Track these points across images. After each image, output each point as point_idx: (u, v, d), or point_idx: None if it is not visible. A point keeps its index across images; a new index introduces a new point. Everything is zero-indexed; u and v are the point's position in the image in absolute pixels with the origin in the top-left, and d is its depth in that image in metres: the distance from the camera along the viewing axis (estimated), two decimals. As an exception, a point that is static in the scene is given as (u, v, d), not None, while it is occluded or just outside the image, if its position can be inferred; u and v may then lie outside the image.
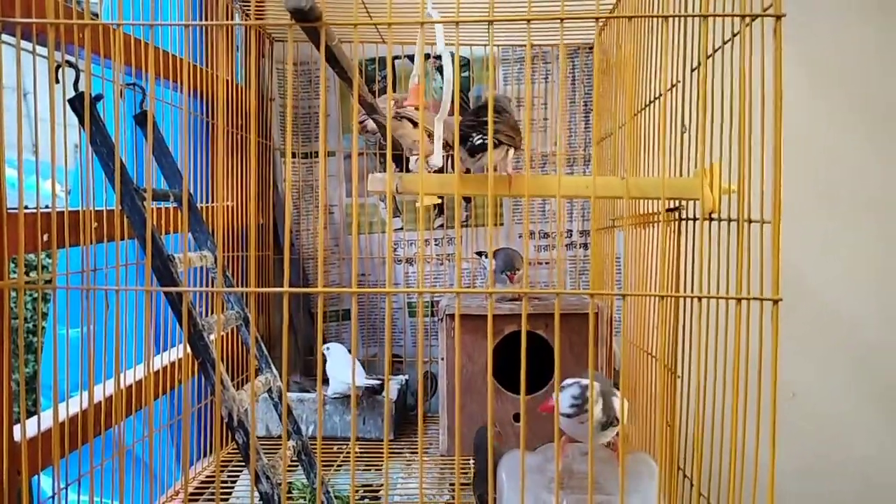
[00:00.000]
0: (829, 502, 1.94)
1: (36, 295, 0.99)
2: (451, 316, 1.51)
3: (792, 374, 1.91)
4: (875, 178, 1.88)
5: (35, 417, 0.98)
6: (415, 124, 1.31)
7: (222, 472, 1.47)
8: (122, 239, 1.00)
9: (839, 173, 1.88)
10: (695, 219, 1.02)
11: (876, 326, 1.91)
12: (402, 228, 1.96)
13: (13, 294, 0.91)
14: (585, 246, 1.93)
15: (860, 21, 1.86)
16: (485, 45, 1.88)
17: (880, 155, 1.89)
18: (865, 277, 1.90)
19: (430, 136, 1.32)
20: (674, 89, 1.08)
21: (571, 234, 1.94)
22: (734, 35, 0.78)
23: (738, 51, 0.78)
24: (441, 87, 1.32)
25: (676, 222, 1.06)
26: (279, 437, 1.64)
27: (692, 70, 1.04)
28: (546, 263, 1.95)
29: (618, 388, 0.92)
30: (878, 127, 1.89)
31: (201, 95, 1.54)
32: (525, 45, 1.88)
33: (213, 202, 1.58)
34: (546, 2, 1.39)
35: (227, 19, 1.57)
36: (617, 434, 0.90)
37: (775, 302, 0.74)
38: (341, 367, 1.65)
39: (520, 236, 1.93)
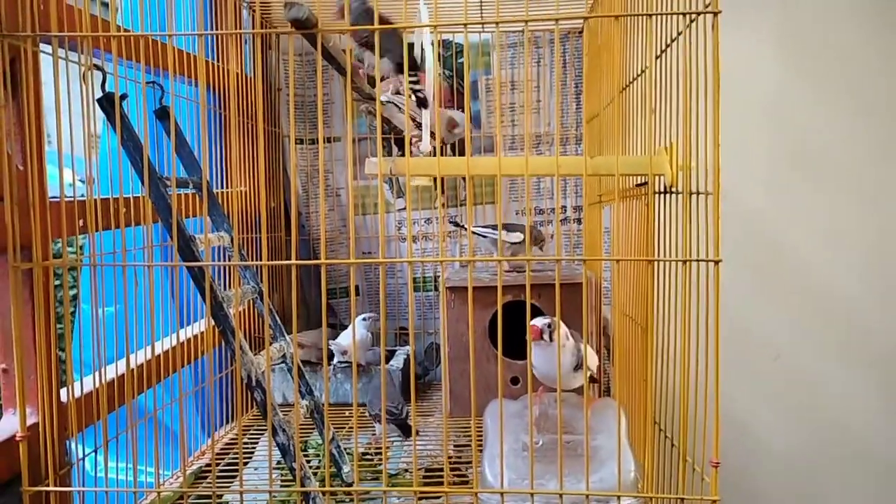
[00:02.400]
0: (813, 456, 2.06)
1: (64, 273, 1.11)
2: (451, 289, 1.64)
3: (775, 337, 2.03)
4: (851, 148, 1.98)
5: (77, 383, 1.11)
6: (401, 110, 1.42)
7: (243, 436, 1.61)
8: (146, 224, 1.12)
9: (817, 144, 1.97)
10: (659, 192, 1.13)
11: (855, 287, 2.01)
12: (404, 208, 2.08)
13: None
14: (579, 221, 2.05)
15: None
16: (479, 33, 1.98)
17: (857, 126, 1.98)
18: (845, 243, 2.00)
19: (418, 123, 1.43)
20: (642, 76, 1.19)
21: (566, 210, 2.05)
22: (679, 34, 0.89)
23: (686, 43, 0.89)
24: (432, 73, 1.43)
25: (644, 196, 1.17)
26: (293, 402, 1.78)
27: (656, 58, 1.15)
28: (541, 241, 2.07)
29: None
30: (858, 99, 1.98)
31: (213, 88, 1.66)
32: (518, 31, 1.98)
33: (227, 188, 1.71)
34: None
35: (236, 14, 1.68)
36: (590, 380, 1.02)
37: (716, 263, 0.85)
38: (345, 336, 1.77)
39: (517, 213, 2.05)
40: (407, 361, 1.90)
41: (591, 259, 1.45)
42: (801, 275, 2.00)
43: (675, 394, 1.04)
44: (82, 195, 1.08)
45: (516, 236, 1.72)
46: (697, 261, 0.86)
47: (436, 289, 2.09)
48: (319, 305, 2.06)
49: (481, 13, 1.58)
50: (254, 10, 1.79)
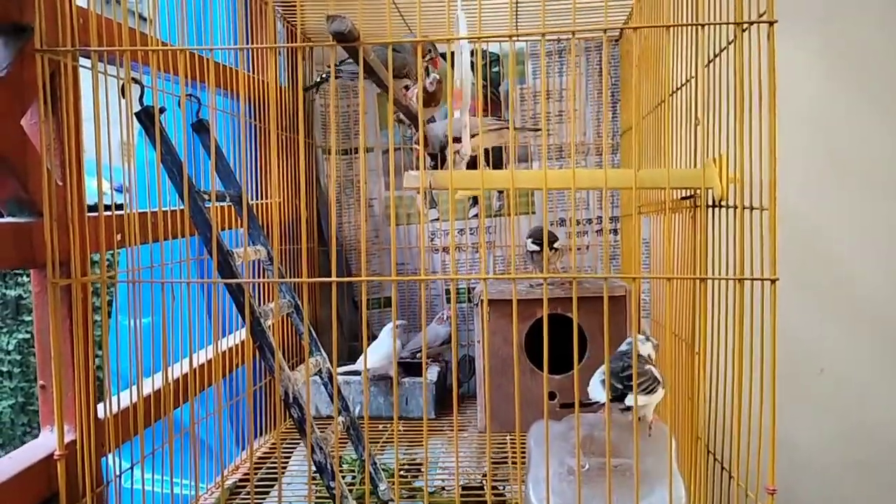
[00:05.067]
0: (858, 472, 1.99)
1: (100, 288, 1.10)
2: (488, 301, 1.61)
3: (820, 350, 1.97)
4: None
5: (115, 398, 1.10)
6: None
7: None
8: (182, 237, 1.11)
9: (859, 156, 1.92)
10: (708, 206, 1.09)
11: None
12: (438, 219, 2.06)
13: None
14: (615, 231, 2.01)
15: (881, 11, 1.90)
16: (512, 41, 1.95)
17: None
18: (887, 254, 1.94)
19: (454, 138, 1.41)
20: (688, 85, 1.15)
21: (601, 220, 2.02)
22: (730, 42, 0.86)
23: (739, 52, 0.86)
24: (473, 83, 1.41)
25: (692, 210, 1.13)
26: (327, 416, 1.76)
27: (705, 66, 1.11)
28: (578, 249, 2.04)
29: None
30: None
31: (248, 99, 1.66)
32: (551, 40, 1.96)
33: (262, 199, 1.70)
34: None
35: (270, 28, 1.67)
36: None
37: (773, 281, 0.81)
38: (376, 347, 1.75)
39: (551, 223, 2.02)
40: (440, 374, 1.88)
41: (642, 277, 1.41)
42: (845, 286, 1.95)
43: (723, 414, 1.01)
44: (118, 203, 1.08)
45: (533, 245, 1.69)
46: (753, 279, 0.83)
47: (469, 300, 2.06)
48: (352, 318, 2.05)
49: (516, 23, 1.55)
50: (288, 22, 1.79)
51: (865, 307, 1.95)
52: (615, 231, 2.01)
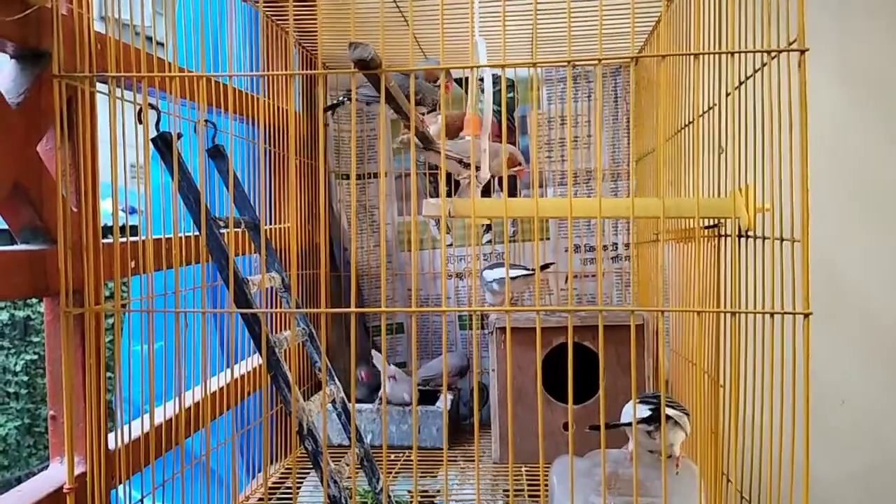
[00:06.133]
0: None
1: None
2: (501, 329, 1.58)
3: (840, 382, 1.93)
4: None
5: (125, 428, 1.08)
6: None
7: (287, 479, 1.57)
8: (195, 263, 1.10)
9: (878, 184, 1.90)
10: (727, 235, 1.07)
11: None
12: (451, 245, 2.04)
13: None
14: (628, 258, 1.98)
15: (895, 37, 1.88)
16: (534, 66, 1.95)
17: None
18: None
19: (460, 162, 1.40)
20: (710, 112, 1.13)
21: (617, 247, 2.00)
22: (762, 66, 0.84)
23: (767, 80, 0.84)
24: (495, 109, 1.40)
25: (717, 239, 1.11)
26: (338, 445, 1.73)
27: (727, 95, 1.10)
28: (593, 276, 2.01)
29: (671, 401, 0.99)
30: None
31: (264, 125, 1.65)
32: (562, 67, 1.95)
33: (275, 224, 1.69)
34: (586, 18, 1.45)
35: (287, 55, 1.67)
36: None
37: (806, 316, 0.79)
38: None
39: (566, 250, 1.99)
40: (453, 403, 1.85)
41: (669, 310, 1.37)
42: (865, 316, 1.91)
43: (751, 450, 0.98)
44: (132, 226, 1.06)
45: (518, 271, 1.68)
46: (786, 313, 0.80)
47: (482, 328, 2.03)
48: (363, 345, 2.03)
49: (533, 50, 1.54)
50: (304, 48, 1.78)
51: (886, 338, 1.91)
52: (628, 258, 1.99)
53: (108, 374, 1.10)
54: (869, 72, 1.91)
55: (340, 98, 1.59)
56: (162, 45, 1.17)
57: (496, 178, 1.82)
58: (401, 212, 2.05)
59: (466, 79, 1.74)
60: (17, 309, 4.39)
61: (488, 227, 2.03)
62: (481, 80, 1.77)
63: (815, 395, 2.09)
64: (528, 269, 1.71)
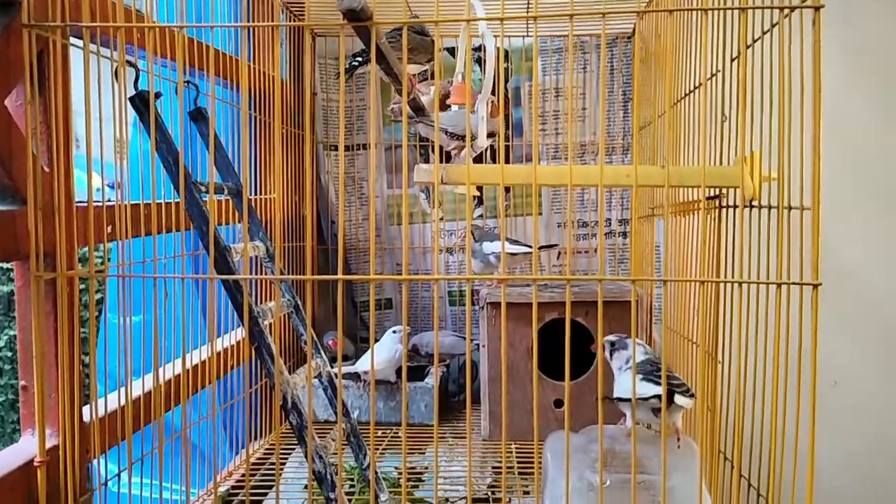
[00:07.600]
0: (873, 488, 1.93)
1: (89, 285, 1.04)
2: (492, 304, 1.55)
3: (832, 362, 1.91)
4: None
5: (102, 400, 1.03)
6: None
7: (271, 455, 1.53)
8: (176, 231, 1.05)
9: (878, 159, 1.86)
10: (735, 206, 1.03)
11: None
12: (442, 219, 2.00)
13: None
14: (624, 234, 1.95)
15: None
16: (524, 37, 1.90)
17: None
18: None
19: (446, 132, 1.35)
20: (713, 78, 1.09)
21: (610, 223, 1.96)
22: (773, 25, 0.80)
23: (778, 41, 0.80)
24: (480, 79, 1.35)
25: (717, 210, 1.07)
26: (325, 421, 1.70)
27: (732, 60, 1.05)
28: (585, 252, 1.97)
29: (671, 375, 0.96)
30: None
31: (249, 90, 1.59)
32: (563, 36, 1.90)
33: (261, 194, 1.64)
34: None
35: (273, 17, 1.61)
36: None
37: (815, 287, 0.75)
38: (377, 350, 1.67)
39: (558, 225, 1.95)
40: (442, 379, 1.82)
41: (673, 280, 1.33)
42: (858, 295, 1.89)
43: (751, 428, 0.95)
44: (110, 200, 1.01)
45: (519, 248, 1.65)
46: (793, 284, 0.76)
47: (474, 303, 2.00)
48: (350, 320, 1.99)
49: (531, 10, 1.49)
50: (291, 12, 1.72)
51: (879, 318, 1.89)
52: (624, 234, 1.95)
53: (84, 348, 1.06)
54: (871, 46, 1.87)
55: (356, 62, 1.52)
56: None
57: (488, 150, 1.77)
58: (390, 184, 2.00)
59: (455, 49, 1.69)
60: (2, 283, 4.32)
61: (480, 201, 1.98)
62: (477, 49, 1.72)
63: (808, 374, 2.07)
64: (528, 246, 1.67)
